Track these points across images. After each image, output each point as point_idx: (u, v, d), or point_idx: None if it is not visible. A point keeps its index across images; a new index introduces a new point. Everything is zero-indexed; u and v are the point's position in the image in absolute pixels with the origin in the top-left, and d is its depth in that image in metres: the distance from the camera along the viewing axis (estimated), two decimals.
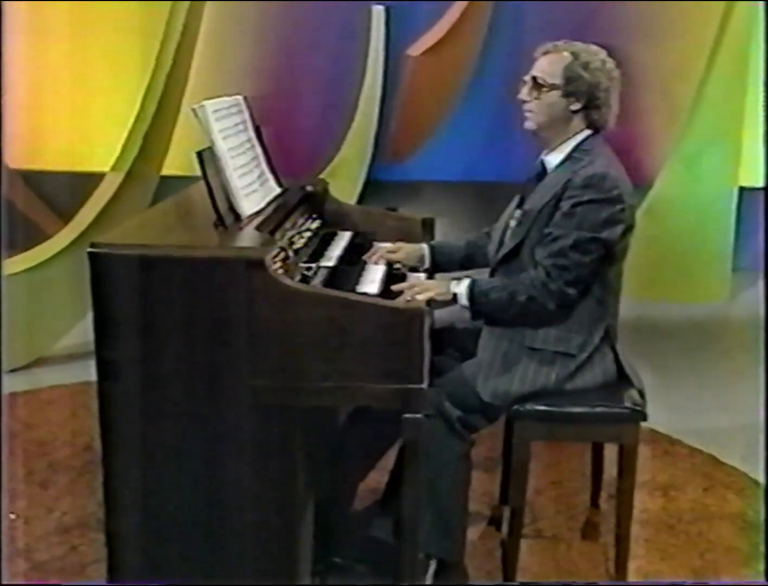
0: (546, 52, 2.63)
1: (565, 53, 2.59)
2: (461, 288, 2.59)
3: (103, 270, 2.22)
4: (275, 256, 2.32)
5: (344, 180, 5.46)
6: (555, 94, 2.58)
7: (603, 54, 2.61)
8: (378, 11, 5.57)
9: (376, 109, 5.62)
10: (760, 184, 5.65)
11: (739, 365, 4.77)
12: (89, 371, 4.16)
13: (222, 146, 2.55)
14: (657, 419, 3.86)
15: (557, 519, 3.23)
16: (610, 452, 2.86)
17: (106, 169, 4.98)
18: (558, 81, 2.57)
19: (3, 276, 4.42)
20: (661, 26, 5.76)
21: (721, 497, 3.40)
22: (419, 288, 2.59)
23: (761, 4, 5.28)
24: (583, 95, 2.57)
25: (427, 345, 2.25)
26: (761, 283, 5.60)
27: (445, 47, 5.39)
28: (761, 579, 2.80)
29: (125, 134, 4.90)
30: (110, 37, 5.82)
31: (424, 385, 2.24)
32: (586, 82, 2.56)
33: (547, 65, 2.60)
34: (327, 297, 2.25)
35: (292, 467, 2.42)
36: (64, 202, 5.66)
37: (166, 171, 5.00)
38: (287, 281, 2.23)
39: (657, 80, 5.80)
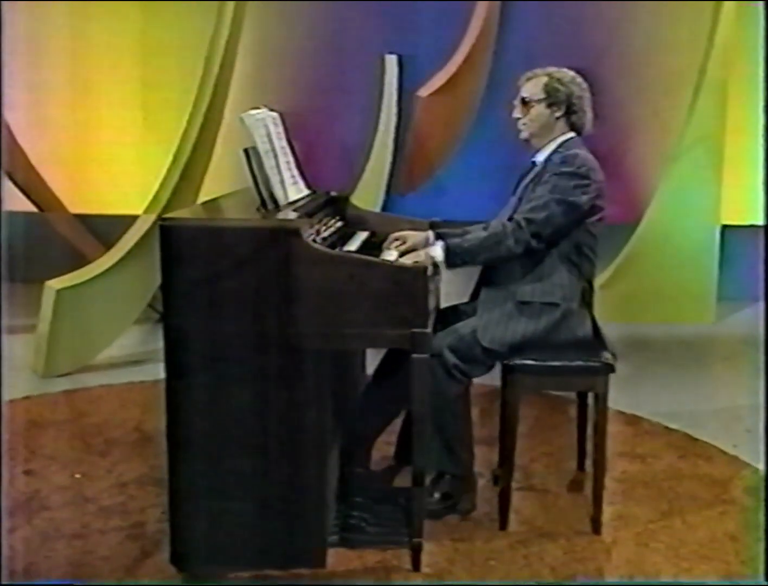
0: (528, 79, 3.34)
1: (543, 76, 3.30)
2: (437, 249, 3.17)
3: (172, 240, 2.78)
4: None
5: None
6: (540, 107, 3.28)
7: (572, 73, 3.33)
8: (391, 59, 6.25)
9: (391, 146, 6.24)
10: (741, 222, 6.30)
11: (721, 369, 5.33)
12: (132, 376, 4.73)
13: (263, 147, 3.12)
14: (640, 407, 4.39)
15: (548, 478, 3.71)
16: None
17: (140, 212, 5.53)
18: (542, 96, 3.27)
19: (53, 291, 4.96)
20: (646, 77, 6.37)
21: (693, 463, 3.87)
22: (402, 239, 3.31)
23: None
24: (562, 103, 3.27)
25: (430, 296, 2.80)
26: (745, 311, 6.24)
27: (452, 87, 6.04)
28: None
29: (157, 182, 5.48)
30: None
31: (429, 329, 2.79)
32: (563, 93, 3.26)
33: (531, 87, 3.32)
34: (349, 258, 2.83)
35: (325, 407, 2.94)
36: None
37: None
38: (318, 246, 2.79)
39: (643, 126, 6.44)
